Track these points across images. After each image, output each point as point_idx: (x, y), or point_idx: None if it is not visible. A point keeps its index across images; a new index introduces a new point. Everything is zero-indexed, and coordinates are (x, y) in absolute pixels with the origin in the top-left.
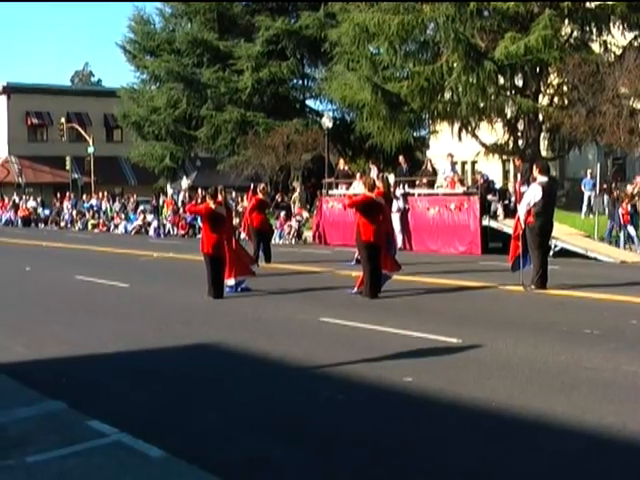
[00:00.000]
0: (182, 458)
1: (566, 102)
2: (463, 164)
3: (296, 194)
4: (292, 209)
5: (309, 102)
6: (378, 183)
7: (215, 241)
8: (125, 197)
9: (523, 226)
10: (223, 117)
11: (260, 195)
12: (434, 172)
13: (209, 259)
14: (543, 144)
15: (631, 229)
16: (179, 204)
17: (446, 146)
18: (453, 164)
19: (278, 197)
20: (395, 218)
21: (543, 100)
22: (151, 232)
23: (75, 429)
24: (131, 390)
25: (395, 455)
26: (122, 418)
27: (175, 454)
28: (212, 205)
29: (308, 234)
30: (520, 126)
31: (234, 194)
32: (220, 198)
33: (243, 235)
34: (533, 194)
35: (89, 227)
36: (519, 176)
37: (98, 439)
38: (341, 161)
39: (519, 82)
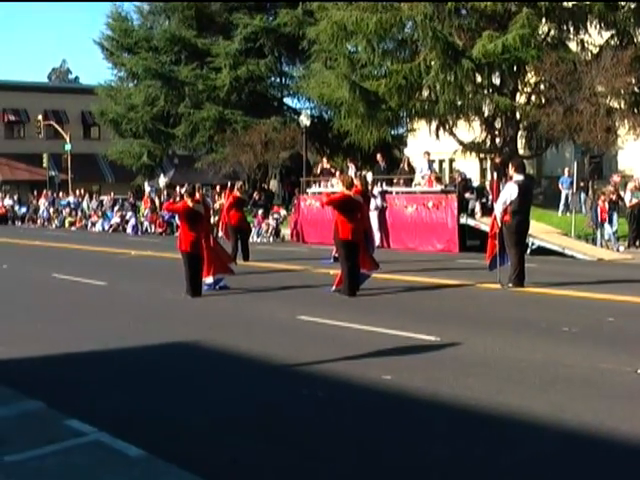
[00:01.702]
0: (162, 457)
1: (543, 100)
2: (441, 162)
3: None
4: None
5: (287, 100)
6: (356, 181)
7: (193, 239)
8: (97, 196)
9: (500, 225)
10: (201, 115)
11: (237, 193)
12: (411, 170)
13: (187, 257)
14: (520, 142)
15: (608, 227)
16: (156, 202)
17: (424, 144)
18: (430, 162)
19: (256, 195)
20: (373, 216)
21: (520, 98)
22: (129, 230)
23: (53, 428)
24: (110, 389)
25: (375, 452)
26: (101, 417)
27: (155, 453)
28: (190, 203)
29: (286, 232)
30: (497, 124)
31: (211, 191)
32: (198, 196)
33: (220, 234)
34: (509, 193)
35: (66, 225)
36: (495, 174)
37: (76, 438)
38: (324, 160)
39: (497, 80)
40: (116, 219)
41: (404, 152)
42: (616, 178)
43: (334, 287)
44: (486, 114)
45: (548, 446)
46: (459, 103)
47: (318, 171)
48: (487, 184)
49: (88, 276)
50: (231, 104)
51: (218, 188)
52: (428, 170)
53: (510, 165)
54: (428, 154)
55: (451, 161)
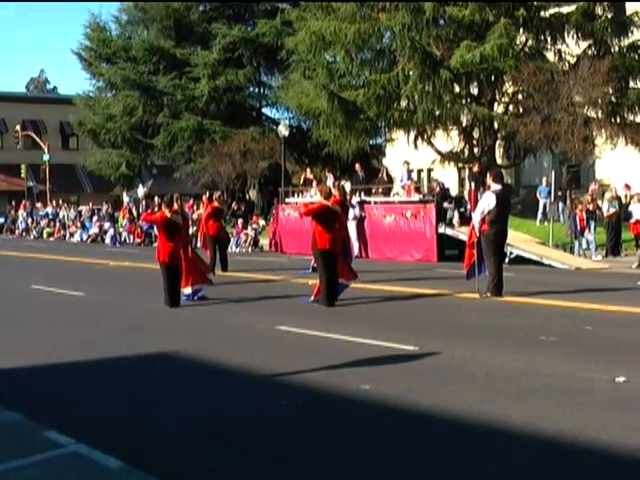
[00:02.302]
0: (141, 468)
1: (521, 110)
2: (419, 172)
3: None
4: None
5: (266, 110)
6: (334, 191)
7: (171, 249)
8: (75, 206)
9: (477, 234)
10: (179, 125)
11: (216, 203)
12: (390, 180)
13: (165, 267)
14: (498, 152)
15: (589, 235)
16: (134, 212)
17: (402, 154)
18: (409, 172)
19: (234, 205)
20: (351, 226)
21: (498, 108)
22: (107, 240)
23: (32, 440)
24: (88, 400)
25: (353, 461)
26: (79, 428)
27: (133, 464)
28: (168, 214)
29: (265, 242)
30: (475, 134)
31: (191, 202)
32: (176, 207)
33: (199, 244)
34: (487, 202)
35: (44, 235)
36: (472, 184)
37: (55, 450)
38: (307, 170)
39: (474, 90)
40: (95, 230)
41: (382, 162)
42: (593, 187)
43: (312, 297)
44: (464, 124)
45: (527, 455)
46: (437, 113)
47: (301, 181)
48: (465, 193)
49: (67, 287)
50: (210, 114)
51: (204, 198)
52: (408, 180)
53: (488, 175)
54: (407, 164)
55: (429, 171)
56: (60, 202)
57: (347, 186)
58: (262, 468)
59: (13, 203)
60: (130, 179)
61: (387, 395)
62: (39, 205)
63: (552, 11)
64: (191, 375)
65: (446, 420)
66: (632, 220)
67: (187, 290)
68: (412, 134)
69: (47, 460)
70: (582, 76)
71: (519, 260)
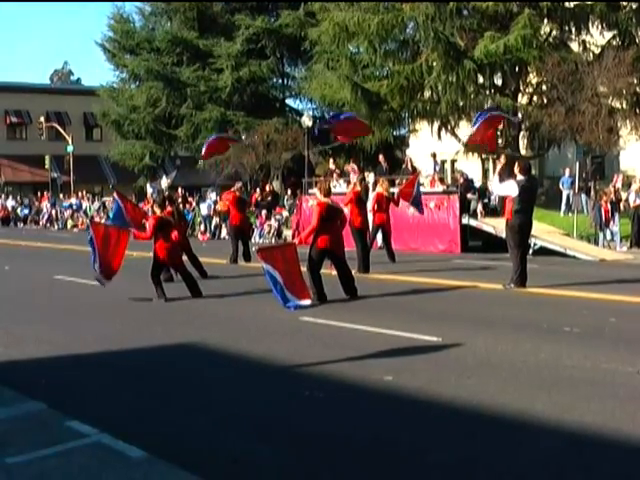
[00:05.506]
0: (163, 458)
1: (545, 101)
2: (443, 163)
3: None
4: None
5: (289, 101)
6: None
7: (169, 248)
8: (99, 197)
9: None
10: (203, 116)
11: (237, 193)
12: (414, 171)
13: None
14: (523, 143)
15: (613, 227)
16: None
17: (426, 145)
18: (436, 163)
19: (258, 196)
20: None
21: (522, 99)
22: None
23: (55, 430)
24: (111, 390)
25: (376, 453)
26: (102, 418)
27: (156, 454)
28: (158, 212)
29: (288, 233)
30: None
31: (214, 194)
32: (170, 208)
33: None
34: (508, 188)
35: (68, 226)
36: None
37: (78, 439)
38: (330, 161)
39: (498, 81)
40: None
41: (406, 153)
42: (617, 179)
43: (305, 301)
44: None
45: (550, 447)
46: (461, 104)
47: (332, 169)
48: (489, 184)
49: (90, 277)
50: (233, 105)
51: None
52: (436, 171)
53: (516, 166)
54: (434, 155)
55: (453, 162)
56: (84, 193)
57: (371, 177)
58: (282, 459)
59: (39, 194)
60: (153, 170)
61: (410, 386)
62: (62, 196)
63: (576, 1)
64: (212, 366)
65: (469, 411)
66: None
67: None
68: (436, 125)
69: (70, 450)
70: (606, 67)
71: (543, 251)
